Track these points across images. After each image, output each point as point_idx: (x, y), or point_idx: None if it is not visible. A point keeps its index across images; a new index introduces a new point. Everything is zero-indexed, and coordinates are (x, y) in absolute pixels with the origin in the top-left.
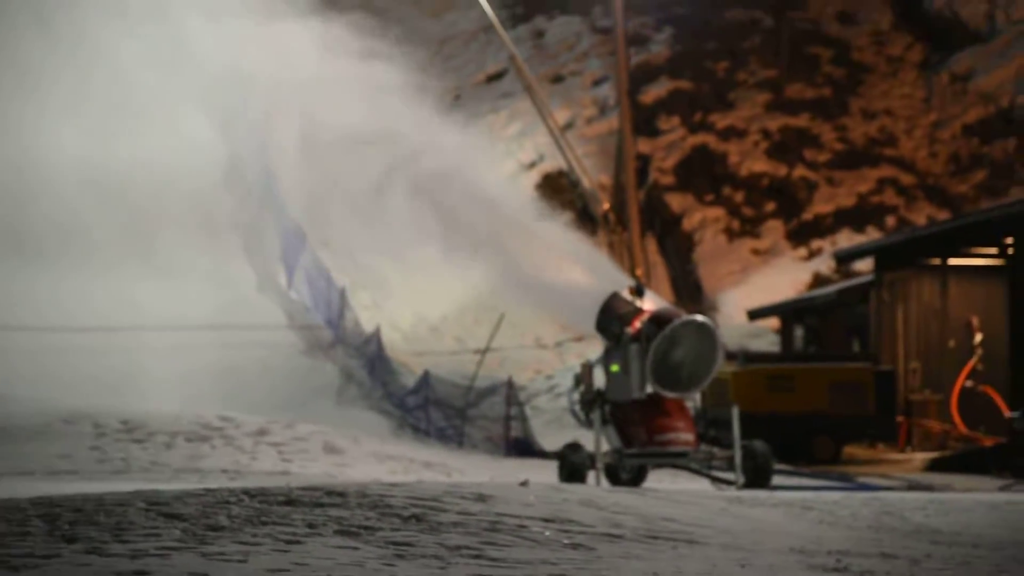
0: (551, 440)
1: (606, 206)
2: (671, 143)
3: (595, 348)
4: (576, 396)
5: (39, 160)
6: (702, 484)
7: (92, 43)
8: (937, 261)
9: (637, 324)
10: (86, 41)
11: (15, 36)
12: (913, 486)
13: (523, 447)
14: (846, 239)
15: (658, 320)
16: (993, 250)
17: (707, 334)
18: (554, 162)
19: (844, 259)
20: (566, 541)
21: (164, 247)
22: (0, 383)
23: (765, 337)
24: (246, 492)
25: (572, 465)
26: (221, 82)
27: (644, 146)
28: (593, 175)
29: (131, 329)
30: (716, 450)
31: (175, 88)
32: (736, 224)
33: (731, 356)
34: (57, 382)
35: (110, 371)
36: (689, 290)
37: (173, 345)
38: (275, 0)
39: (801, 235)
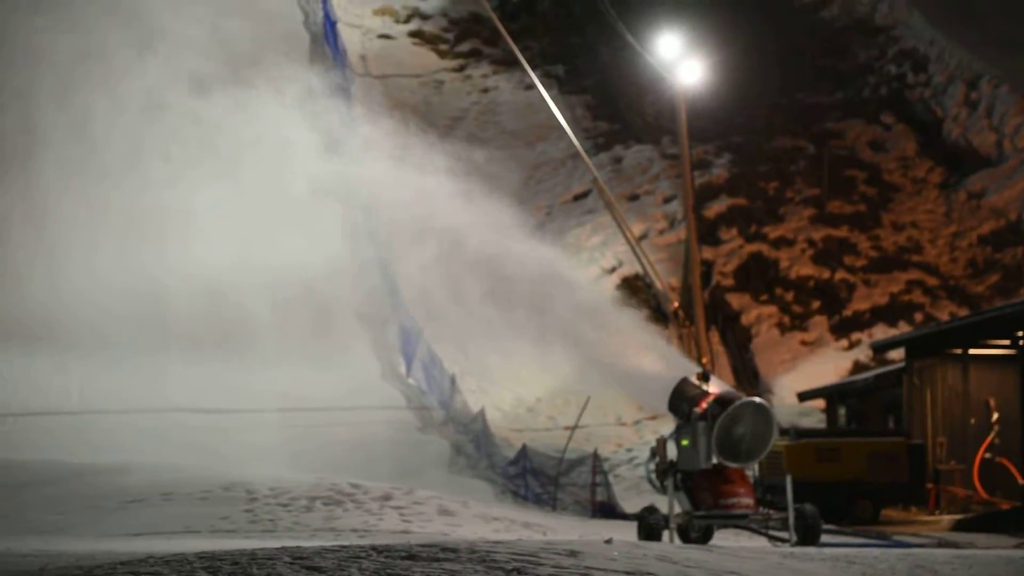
0: (631, 504)
1: (675, 304)
2: (731, 251)
3: (667, 425)
4: (652, 466)
5: (200, 261)
6: (760, 542)
7: (241, 160)
8: (959, 351)
9: (704, 405)
10: (242, 160)
11: (177, 147)
12: (942, 543)
13: (607, 510)
14: (881, 332)
15: (722, 402)
16: (1006, 342)
17: (763, 413)
18: (631, 267)
19: (880, 349)
20: None
21: (307, 341)
22: (172, 456)
23: (813, 416)
24: (374, 548)
25: (649, 525)
26: (354, 197)
27: (707, 253)
28: (664, 278)
29: (278, 410)
30: (772, 512)
31: (313, 200)
32: (787, 319)
33: (784, 432)
34: (217, 455)
35: (260, 446)
36: (748, 376)
37: (312, 423)
38: (404, 133)
39: (843, 329)
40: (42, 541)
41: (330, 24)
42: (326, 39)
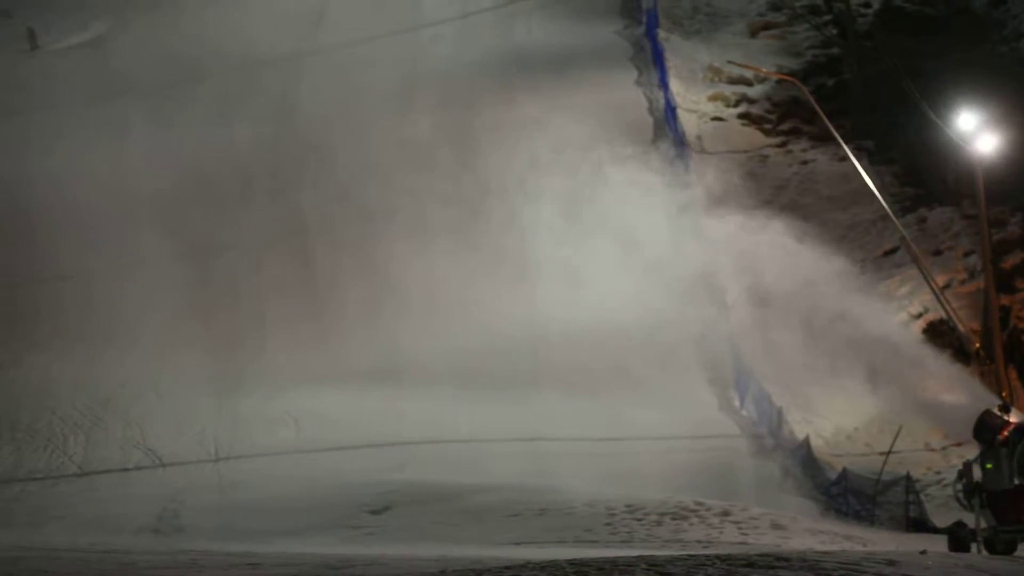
0: (941, 519)
1: (976, 345)
2: None
3: (972, 451)
4: (960, 487)
5: (568, 309)
6: None
7: (604, 223)
8: None
9: (1005, 433)
10: (605, 223)
11: (550, 211)
12: None
13: (919, 525)
14: None
15: (1021, 430)
16: None
17: None
18: (936, 313)
19: None
20: None
21: (657, 379)
22: (557, 479)
23: None
24: (718, 557)
25: (959, 538)
26: (696, 254)
27: (1005, 300)
28: (966, 322)
29: (631, 438)
30: None
31: (662, 256)
32: None
33: None
34: (581, 477)
35: (618, 469)
36: None
37: (659, 451)
38: (735, 200)
39: None
40: (444, 548)
41: (670, 110)
42: (667, 122)
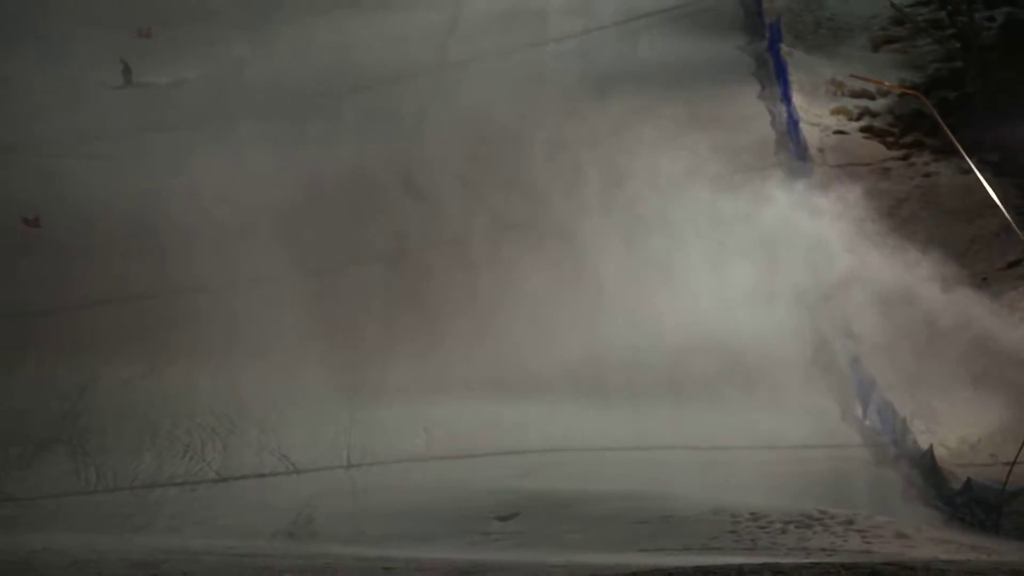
0: None
1: None
2: None
3: None
4: None
5: (698, 318)
6: None
7: (732, 235)
8: None
9: None
10: (733, 235)
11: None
12: None
13: None
14: None
15: None
16: None
17: None
18: None
19: None
20: None
21: (772, 390)
22: (678, 487)
23: None
24: (843, 565)
25: None
26: (821, 264)
27: None
28: None
29: (755, 447)
30: None
31: (787, 265)
32: None
33: None
34: (706, 485)
35: (741, 478)
36: None
37: (781, 460)
38: (857, 211)
39: None
40: (571, 553)
41: (793, 123)
42: (790, 135)
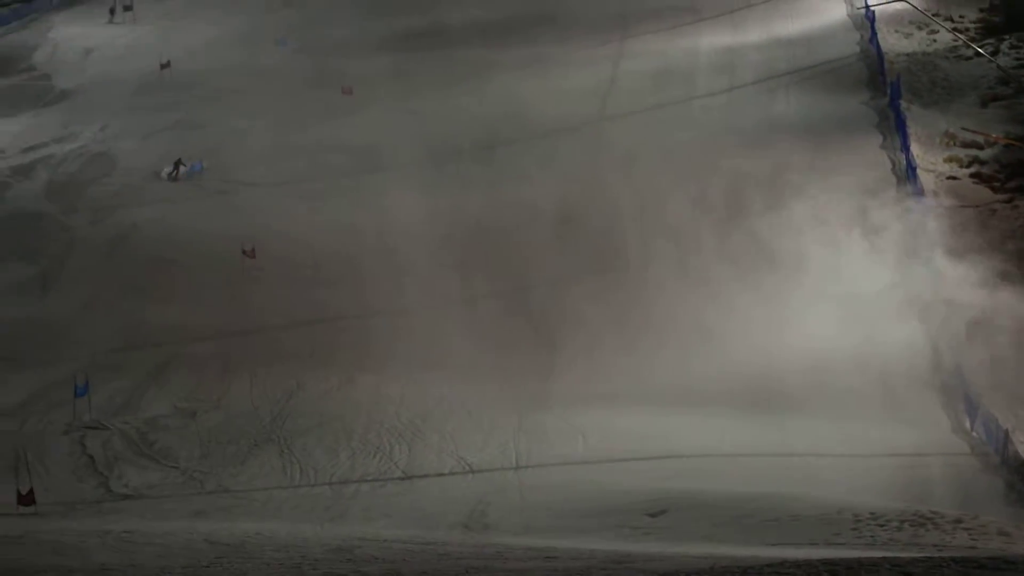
0: None
1: None
2: None
3: None
4: None
5: (805, 339)
6: None
7: (850, 266)
8: None
9: None
10: (851, 266)
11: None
12: None
13: None
14: None
15: None
16: None
17: None
18: None
19: None
20: None
21: (893, 403)
22: (808, 489)
23: None
24: (952, 559)
25: None
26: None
27: None
28: None
29: (872, 456)
30: None
31: (885, 297)
32: None
33: None
34: (831, 487)
35: (859, 483)
36: None
37: (899, 466)
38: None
39: None
40: (712, 547)
41: (911, 169)
42: (908, 180)
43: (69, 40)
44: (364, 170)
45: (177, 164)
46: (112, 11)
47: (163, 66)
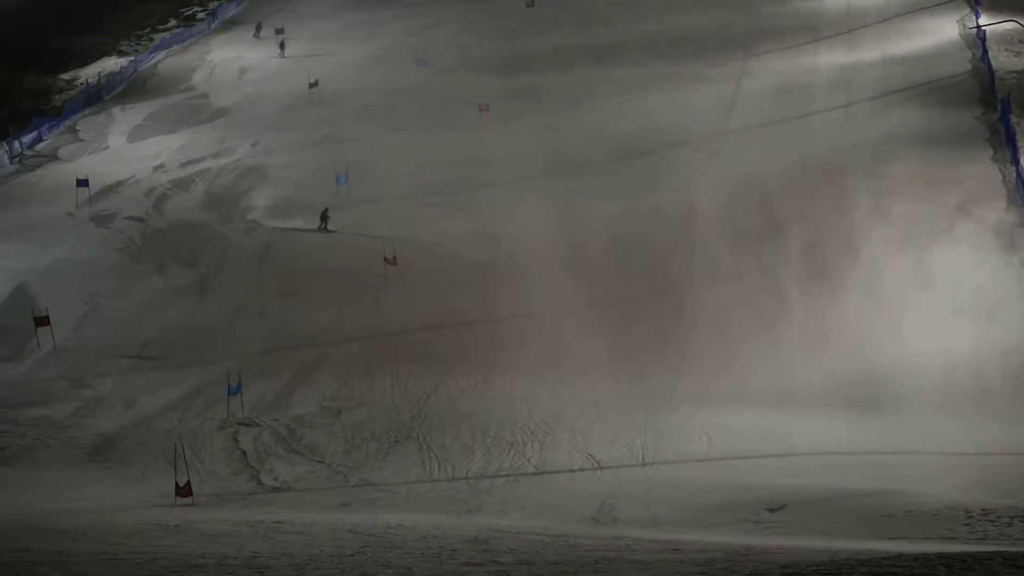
0: None
1: None
2: None
3: None
4: None
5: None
6: None
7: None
8: None
9: None
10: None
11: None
12: None
13: None
14: None
15: None
16: None
17: None
18: None
19: None
20: None
21: (1003, 404)
22: (922, 486)
23: None
24: None
25: None
26: None
27: None
28: None
29: (986, 454)
30: None
31: (990, 304)
32: None
33: None
34: (943, 485)
35: (972, 480)
36: None
37: (1010, 464)
38: None
39: None
40: (830, 540)
41: (1020, 182)
42: (1018, 192)
43: (225, 61)
44: (499, 182)
45: (324, 215)
46: (258, 28)
47: (311, 85)
